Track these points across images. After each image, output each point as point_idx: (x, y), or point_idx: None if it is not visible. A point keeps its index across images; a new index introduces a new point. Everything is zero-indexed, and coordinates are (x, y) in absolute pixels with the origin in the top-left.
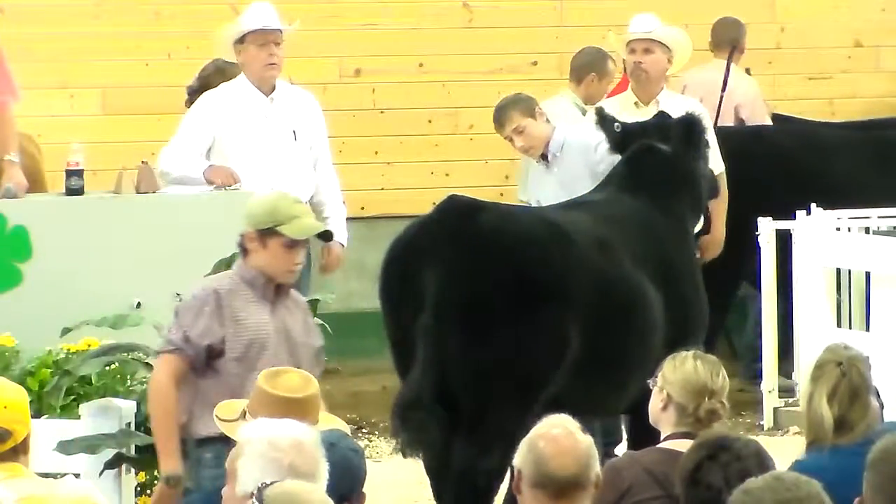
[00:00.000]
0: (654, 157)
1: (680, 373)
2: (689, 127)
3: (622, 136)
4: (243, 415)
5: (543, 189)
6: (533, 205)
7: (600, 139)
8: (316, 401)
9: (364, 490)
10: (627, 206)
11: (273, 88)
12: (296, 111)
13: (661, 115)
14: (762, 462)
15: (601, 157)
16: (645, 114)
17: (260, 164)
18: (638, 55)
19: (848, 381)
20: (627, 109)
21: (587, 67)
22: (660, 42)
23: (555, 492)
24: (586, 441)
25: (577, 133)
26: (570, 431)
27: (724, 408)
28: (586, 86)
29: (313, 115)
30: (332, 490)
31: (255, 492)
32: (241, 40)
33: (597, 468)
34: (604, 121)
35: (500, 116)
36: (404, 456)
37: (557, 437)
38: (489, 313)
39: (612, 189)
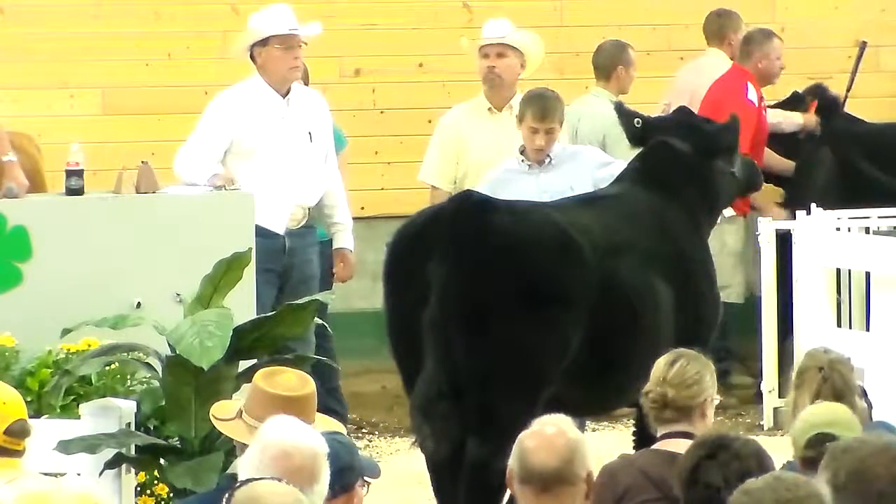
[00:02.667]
0: (670, 154)
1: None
2: (729, 131)
3: (642, 132)
4: (239, 414)
5: (518, 190)
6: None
7: (611, 161)
8: (312, 399)
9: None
10: (641, 202)
11: (288, 90)
12: (310, 112)
13: (683, 111)
14: (762, 461)
15: (607, 176)
16: (498, 119)
17: (278, 166)
18: (491, 59)
19: (830, 385)
20: (481, 115)
21: (613, 62)
22: (512, 47)
23: (539, 487)
24: (573, 437)
25: (577, 149)
26: (559, 429)
27: (683, 397)
28: (616, 80)
29: (324, 115)
30: None
31: (228, 492)
32: (263, 42)
33: (586, 465)
34: (624, 115)
35: (546, 110)
36: (423, 450)
37: (543, 433)
38: (491, 314)
39: (626, 184)
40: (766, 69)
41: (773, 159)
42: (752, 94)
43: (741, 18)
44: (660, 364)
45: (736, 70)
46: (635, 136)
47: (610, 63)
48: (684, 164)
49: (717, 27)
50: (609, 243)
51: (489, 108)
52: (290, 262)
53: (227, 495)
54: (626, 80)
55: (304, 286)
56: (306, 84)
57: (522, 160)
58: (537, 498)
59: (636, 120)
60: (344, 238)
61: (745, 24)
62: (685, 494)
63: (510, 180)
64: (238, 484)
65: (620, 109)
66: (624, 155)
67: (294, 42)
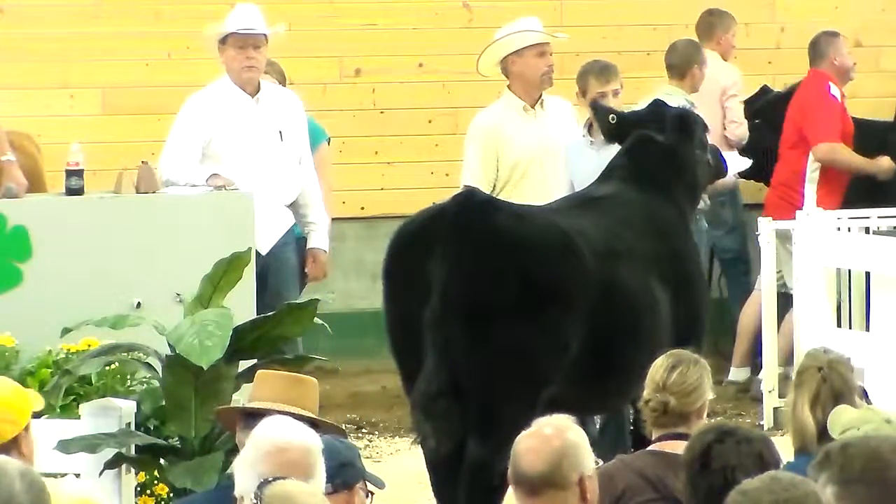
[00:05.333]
0: (654, 149)
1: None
2: (684, 118)
3: (617, 127)
4: (239, 406)
5: (578, 164)
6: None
7: None
8: (315, 386)
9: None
10: (634, 201)
11: (258, 89)
12: (281, 111)
13: (656, 104)
14: (769, 445)
15: None
16: (534, 117)
17: (248, 166)
18: (547, 58)
19: (829, 385)
20: (518, 115)
21: (689, 60)
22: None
23: (528, 489)
24: (567, 441)
25: None
26: (555, 431)
27: (683, 404)
28: (690, 78)
29: (297, 115)
30: None
31: (256, 490)
32: (222, 41)
33: (580, 469)
34: (598, 112)
35: (610, 73)
36: (423, 448)
37: (535, 435)
38: (491, 314)
39: (616, 182)
40: (842, 65)
41: (856, 161)
42: (835, 91)
43: (734, 19)
44: (658, 369)
45: (814, 74)
46: (610, 133)
47: (685, 62)
48: (668, 156)
49: (708, 25)
50: (607, 246)
51: (524, 108)
52: (266, 262)
53: (254, 493)
54: (700, 79)
55: (283, 285)
56: (283, 84)
57: (584, 135)
58: (527, 501)
59: (611, 116)
60: (317, 238)
61: (745, 24)
62: (696, 482)
63: (576, 152)
64: (264, 482)
65: (595, 106)
66: None
67: (248, 42)
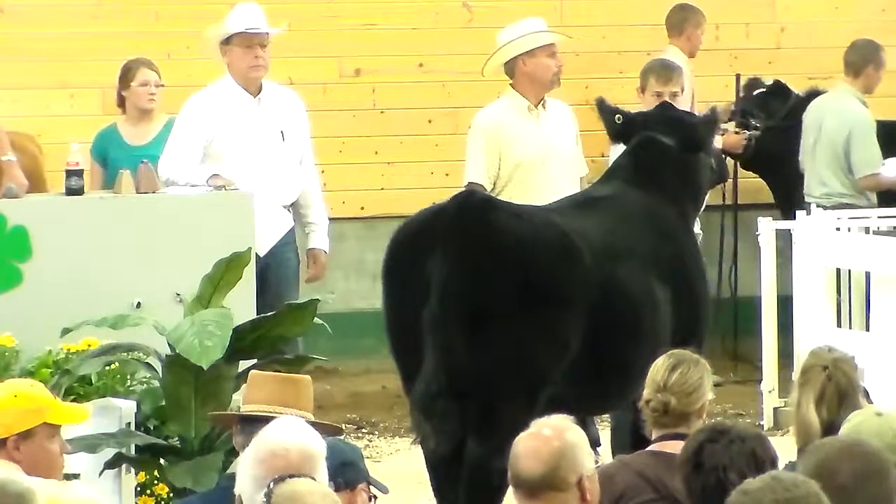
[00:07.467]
0: (657, 150)
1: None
2: (692, 122)
3: (623, 127)
4: (237, 410)
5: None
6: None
7: None
8: (308, 385)
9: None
10: (635, 202)
11: (260, 89)
12: (282, 111)
13: (664, 106)
14: (764, 442)
15: None
16: (537, 117)
17: (249, 166)
18: (557, 59)
19: (834, 384)
20: (522, 114)
21: (865, 60)
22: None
23: (527, 492)
24: (565, 442)
25: None
26: (554, 432)
27: (683, 405)
28: (865, 78)
29: (298, 114)
30: None
31: (266, 489)
32: (226, 41)
33: (579, 470)
34: (604, 111)
35: (672, 73)
36: (423, 448)
37: (533, 437)
38: (490, 313)
39: (618, 183)
40: None
41: None
42: None
43: (703, 15)
44: (659, 369)
45: None
46: (616, 133)
47: (861, 61)
48: (672, 159)
49: (678, 20)
50: (607, 246)
51: (529, 107)
52: (266, 262)
53: (265, 491)
54: (874, 80)
55: (283, 285)
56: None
57: None
58: (527, 503)
59: (617, 116)
60: (317, 238)
61: (745, 24)
62: (690, 482)
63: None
64: (273, 481)
65: (601, 105)
66: (868, 151)
67: (254, 41)
